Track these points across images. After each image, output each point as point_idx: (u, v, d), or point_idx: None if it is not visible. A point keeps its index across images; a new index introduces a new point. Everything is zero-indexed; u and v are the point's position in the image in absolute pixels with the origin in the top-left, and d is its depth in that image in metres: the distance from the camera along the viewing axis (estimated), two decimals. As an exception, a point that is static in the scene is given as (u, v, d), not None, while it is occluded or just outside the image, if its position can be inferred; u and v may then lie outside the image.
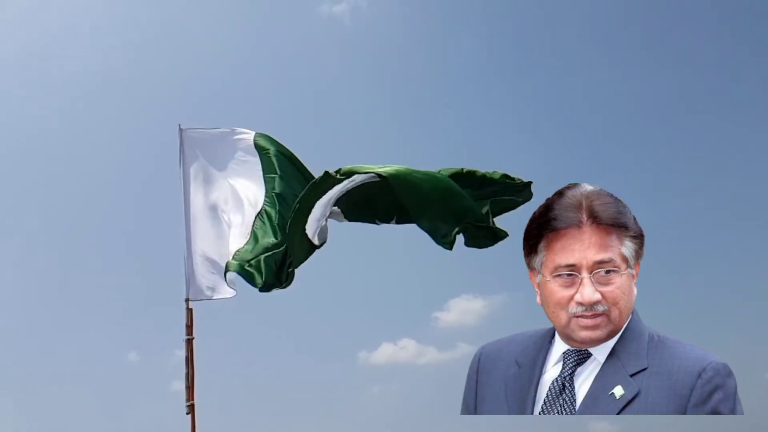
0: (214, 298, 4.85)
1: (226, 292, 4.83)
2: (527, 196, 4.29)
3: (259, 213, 4.99)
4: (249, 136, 5.29)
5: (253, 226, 4.94)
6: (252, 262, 4.61)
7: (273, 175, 5.14)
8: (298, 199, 4.33)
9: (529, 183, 4.31)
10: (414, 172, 4.04)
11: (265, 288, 4.58)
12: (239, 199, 5.10)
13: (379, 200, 4.32)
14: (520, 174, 4.79)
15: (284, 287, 4.65)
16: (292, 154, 5.28)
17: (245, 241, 4.88)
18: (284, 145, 5.32)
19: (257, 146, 5.29)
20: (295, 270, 4.59)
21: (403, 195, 4.03)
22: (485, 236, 4.13)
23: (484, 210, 4.12)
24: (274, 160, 5.18)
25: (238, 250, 4.83)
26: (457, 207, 4.01)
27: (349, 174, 4.10)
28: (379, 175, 4.02)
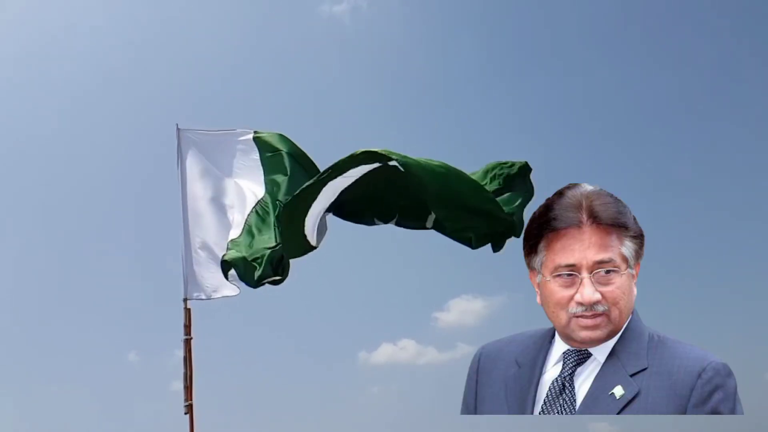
0: (213, 297, 4.82)
1: (228, 290, 4.78)
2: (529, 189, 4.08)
3: (256, 207, 4.92)
4: (248, 135, 5.25)
5: (247, 219, 4.88)
6: (257, 257, 4.54)
7: (281, 177, 5.03)
8: (292, 199, 4.16)
9: (526, 165, 4.10)
10: (428, 161, 3.79)
11: (259, 282, 4.50)
12: (242, 197, 5.06)
13: (379, 197, 4.15)
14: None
15: (280, 281, 4.55)
16: (305, 155, 5.15)
17: (239, 233, 4.80)
18: (298, 144, 5.22)
19: (260, 143, 5.22)
20: (293, 267, 4.50)
21: (422, 180, 3.71)
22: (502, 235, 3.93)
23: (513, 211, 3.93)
24: (286, 162, 5.08)
25: (232, 240, 4.76)
26: (485, 205, 3.81)
27: (343, 167, 3.84)
28: (382, 159, 3.76)
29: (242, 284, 4.69)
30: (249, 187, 5.08)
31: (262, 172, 5.10)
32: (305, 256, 4.36)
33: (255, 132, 5.27)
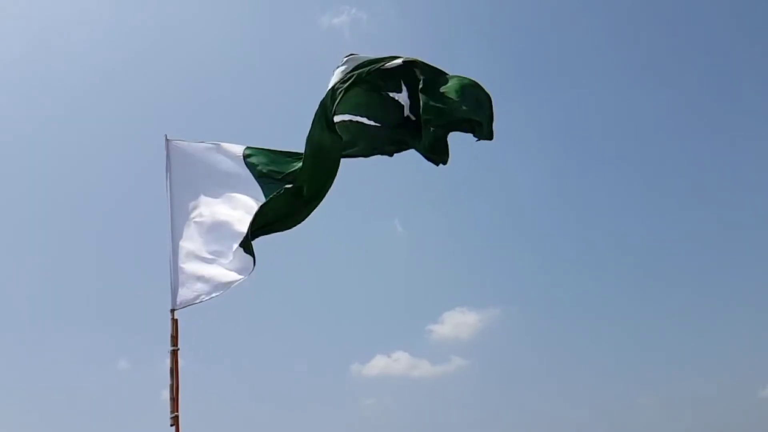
0: (198, 301, 4.69)
1: (215, 289, 4.70)
2: None
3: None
4: (237, 149, 5.20)
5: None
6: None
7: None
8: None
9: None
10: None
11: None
12: (228, 207, 4.97)
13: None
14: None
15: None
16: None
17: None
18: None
19: (249, 165, 5.18)
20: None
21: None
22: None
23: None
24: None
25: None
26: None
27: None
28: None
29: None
30: (238, 197, 4.99)
31: (253, 179, 5.04)
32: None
33: (246, 148, 5.23)
